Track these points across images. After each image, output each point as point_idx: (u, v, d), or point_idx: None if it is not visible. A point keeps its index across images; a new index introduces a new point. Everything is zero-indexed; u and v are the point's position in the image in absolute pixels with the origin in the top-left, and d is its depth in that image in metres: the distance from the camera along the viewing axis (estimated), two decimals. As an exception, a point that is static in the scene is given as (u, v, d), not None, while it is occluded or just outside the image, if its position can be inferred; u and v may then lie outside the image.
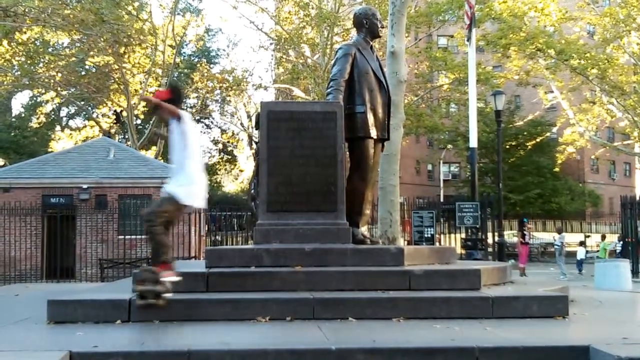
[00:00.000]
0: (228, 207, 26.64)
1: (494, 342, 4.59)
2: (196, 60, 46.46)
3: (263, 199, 6.88)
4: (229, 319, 5.43)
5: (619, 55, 28.62)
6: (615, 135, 41.78)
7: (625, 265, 12.68)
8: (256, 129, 9.06)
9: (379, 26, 7.65)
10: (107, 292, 6.73)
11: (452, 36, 32.44)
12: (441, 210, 20.68)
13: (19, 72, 30.29)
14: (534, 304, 5.73)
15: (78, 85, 33.65)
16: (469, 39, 16.70)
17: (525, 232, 23.56)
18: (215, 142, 54.08)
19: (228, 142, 51.56)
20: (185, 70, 44.71)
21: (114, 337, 4.91)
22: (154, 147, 38.28)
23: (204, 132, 51.14)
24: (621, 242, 22.22)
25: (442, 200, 35.21)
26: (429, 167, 54.82)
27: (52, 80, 32.06)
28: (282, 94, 37.64)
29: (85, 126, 42.48)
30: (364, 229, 7.40)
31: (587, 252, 27.24)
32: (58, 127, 46.58)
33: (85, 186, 22.13)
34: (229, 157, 54.85)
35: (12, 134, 44.78)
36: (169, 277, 5.50)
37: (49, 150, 38.85)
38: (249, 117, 44.73)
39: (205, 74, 38.53)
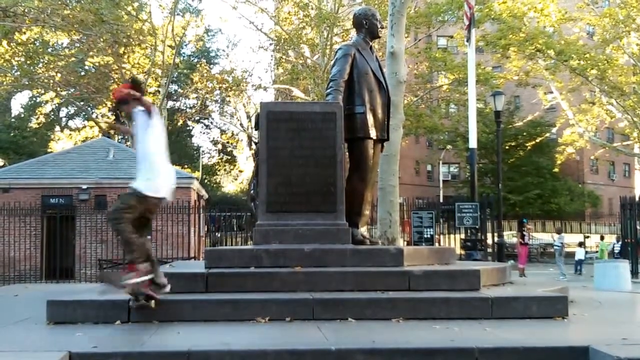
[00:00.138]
0: (227, 207, 26.66)
1: (494, 343, 4.59)
2: (196, 60, 46.46)
3: (262, 199, 6.88)
4: (228, 320, 5.42)
5: (619, 55, 28.64)
6: (615, 135, 41.76)
7: (624, 265, 12.70)
8: (256, 130, 9.06)
9: (379, 27, 7.65)
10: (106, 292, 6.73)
11: (451, 37, 32.38)
12: (441, 210, 20.63)
13: (18, 73, 30.20)
14: (533, 305, 5.73)
15: (77, 85, 33.59)
16: (468, 40, 16.71)
17: (524, 233, 23.60)
18: (215, 143, 54.17)
19: (227, 142, 51.56)
20: (185, 71, 44.71)
21: (113, 337, 4.91)
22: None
23: (204, 133, 51.17)
24: (619, 243, 22.27)
25: (441, 200, 35.07)
26: (429, 167, 54.79)
27: (51, 81, 32.01)
28: (281, 95, 37.59)
29: (84, 126, 42.48)
30: (363, 230, 7.39)
31: (586, 252, 27.25)
32: (57, 128, 46.61)
33: (84, 186, 22.11)
34: (229, 157, 54.88)
35: (12, 134, 44.76)
36: (133, 280, 5.24)
37: (49, 150, 38.84)
38: (248, 117, 44.71)
39: (205, 75, 38.51)
